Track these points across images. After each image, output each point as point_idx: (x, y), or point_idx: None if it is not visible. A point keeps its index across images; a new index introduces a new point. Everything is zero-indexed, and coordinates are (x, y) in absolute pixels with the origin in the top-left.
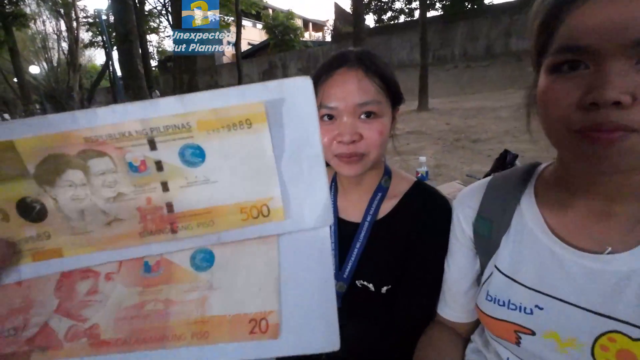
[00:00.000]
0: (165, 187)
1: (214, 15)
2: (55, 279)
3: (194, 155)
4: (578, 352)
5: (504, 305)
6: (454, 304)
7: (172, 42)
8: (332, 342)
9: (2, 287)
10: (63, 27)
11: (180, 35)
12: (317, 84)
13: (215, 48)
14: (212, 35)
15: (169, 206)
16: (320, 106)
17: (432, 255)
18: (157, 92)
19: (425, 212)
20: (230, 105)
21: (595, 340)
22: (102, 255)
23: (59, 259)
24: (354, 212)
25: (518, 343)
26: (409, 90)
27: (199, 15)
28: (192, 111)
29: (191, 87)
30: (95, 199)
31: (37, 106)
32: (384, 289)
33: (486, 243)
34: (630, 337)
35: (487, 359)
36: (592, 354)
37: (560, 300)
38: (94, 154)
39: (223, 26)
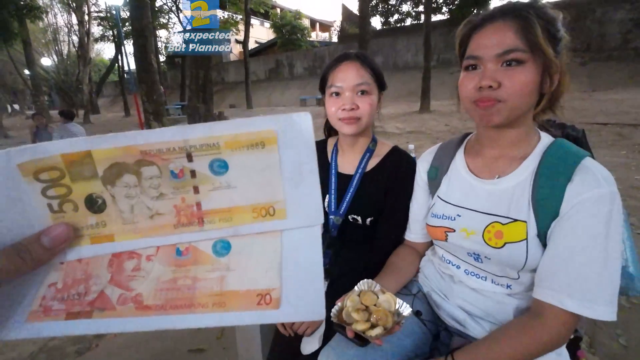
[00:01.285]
0: (196, 190)
1: (213, 15)
2: (107, 258)
3: (220, 167)
4: (476, 236)
5: (440, 217)
6: (415, 229)
7: (182, 42)
8: (319, 312)
9: (67, 263)
10: (74, 20)
11: (189, 36)
12: (328, 72)
13: (218, 48)
14: (219, 35)
15: (198, 205)
16: (331, 86)
17: (402, 197)
18: (161, 87)
19: (399, 167)
20: (250, 131)
21: (485, 228)
22: (144, 241)
23: (111, 242)
24: (349, 167)
25: (446, 239)
26: (412, 91)
27: (199, 15)
28: (221, 134)
29: (206, 82)
30: (143, 197)
31: (46, 98)
32: (368, 221)
33: (434, 183)
34: (501, 223)
35: (433, 261)
36: (483, 236)
37: (470, 209)
38: (146, 163)
39: (231, 24)
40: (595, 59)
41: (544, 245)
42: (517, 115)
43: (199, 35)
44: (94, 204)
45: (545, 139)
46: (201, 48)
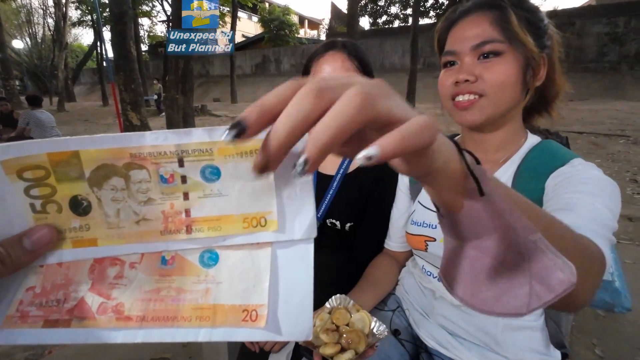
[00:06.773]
0: (186, 196)
1: (213, 15)
2: (89, 263)
3: (212, 173)
4: None
5: (420, 225)
6: (395, 237)
7: (167, 42)
8: (305, 332)
9: (47, 267)
10: (50, 2)
11: (176, 36)
12: (311, 61)
13: (209, 48)
14: (208, 36)
15: (187, 212)
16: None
17: (384, 203)
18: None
19: (383, 170)
20: None
21: None
22: (129, 247)
23: (94, 247)
24: (330, 167)
25: (426, 249)
26: (398, 93)
27: (199, 15)
28: (215, 140)
29: (186, 72)
30: (130, 201)
31: (17, 82)
32: (347, 226)
33: (415, 187)
34: None
35: (414, 273)
36: None
37: None
38: (135, 166)
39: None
40: (572, 70)
41: None
42: (500, 112)
43: (196, 35)
44: (79, 206)
45: (532, 139)
46: (201, 48)
